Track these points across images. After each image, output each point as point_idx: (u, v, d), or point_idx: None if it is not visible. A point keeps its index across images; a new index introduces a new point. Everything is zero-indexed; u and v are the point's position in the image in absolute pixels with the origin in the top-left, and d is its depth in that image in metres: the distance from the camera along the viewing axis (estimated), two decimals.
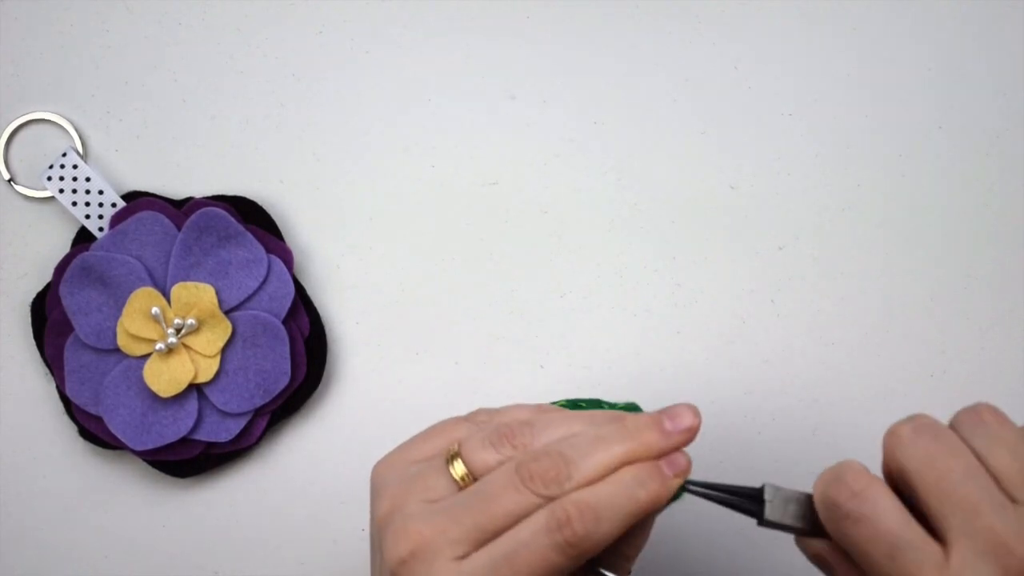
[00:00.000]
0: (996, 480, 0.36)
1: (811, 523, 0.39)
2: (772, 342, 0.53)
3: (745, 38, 0.54)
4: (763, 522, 0.39)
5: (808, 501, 0.39)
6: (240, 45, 0.54)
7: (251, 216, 0.52)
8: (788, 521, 0.39)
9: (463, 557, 0.37)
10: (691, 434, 0.39)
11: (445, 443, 0.41)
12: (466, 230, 0.53)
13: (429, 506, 0.39)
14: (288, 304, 0.51)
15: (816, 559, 0.39)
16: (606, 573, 0.39)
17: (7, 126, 0.53)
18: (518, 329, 0.53)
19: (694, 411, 0.39)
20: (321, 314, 0.53)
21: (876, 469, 0.37)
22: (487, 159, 0.54)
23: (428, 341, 0.53)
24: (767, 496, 0.39)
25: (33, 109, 0.54)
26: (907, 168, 0.54)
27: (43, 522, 0.53)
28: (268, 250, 0.51)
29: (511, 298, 0.53)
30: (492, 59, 0.54)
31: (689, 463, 0.38)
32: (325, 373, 0.52)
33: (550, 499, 0.37)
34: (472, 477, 0.39)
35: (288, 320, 0.51)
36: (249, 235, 0.51)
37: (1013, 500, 0.35)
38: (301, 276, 0.53)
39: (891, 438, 0.37)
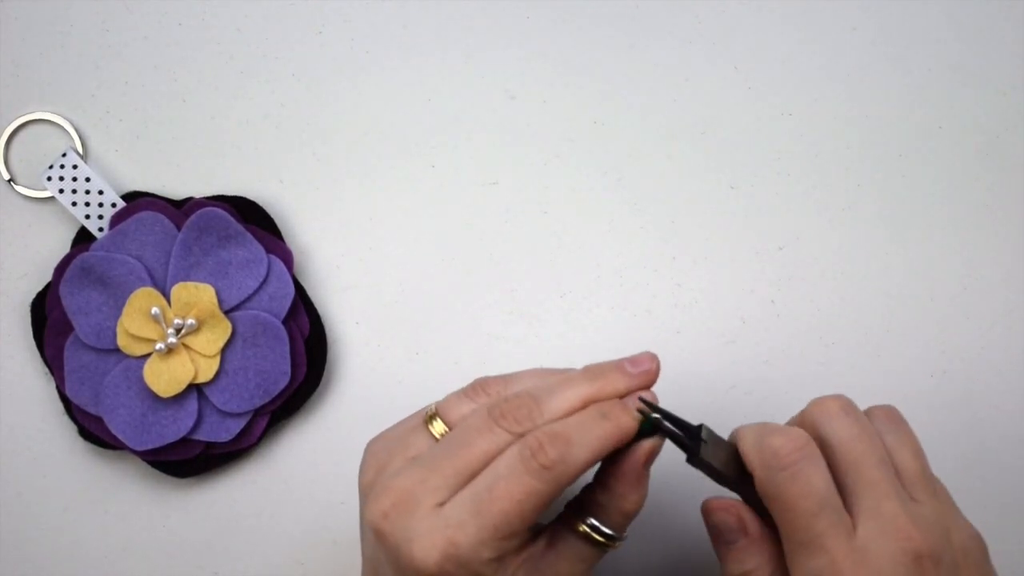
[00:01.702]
0: (898, 473, 0.39)
1: (733, 472, 0.40)
2: (772, 342, 0.53)
3: (745, 38, 0.54)
4: (693, 459, 0.41)
5: (734, 451, 0.41)
6: (240, 45, 0.54)
7: (251, 216, 0.52)
8: (717, 464, 0.40)
9: (444, 503, 0.38)
10: (650, 376, 0.42)
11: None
12: (466, 230, 0.53)
13: (409, 461, 0.39)
14: (288, 304, 0.51)
15: (720, 524, 0.41)
16: (597, 524, 0.40)
17: (7, 126, 0.53)
18: (518, 329, 0.53)
19: (652, 356, 0.42)
20: (321, 314, 0.53)
21: None
22: (487, 159, 0.54)
23: (428, 341, 0.53)
24: (704, 436, 0.41)
25: (33, 109, 0.54)
26: (907, 168, 0.54)
27: (43, 522, 0.53)
28: (268, 250, 0.51)
29: (511, 298, 0.53)
30: (492, 59, 0.54)
31: (654, 399, 0.41)
32: (325, 373, 0.52)
33: (521, 435, 0.39)
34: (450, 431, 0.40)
35: (288, 320, 0.51)
36: (249, 235, 0.51)
37: (911, 497, 0.39)
38: (301, 276, 0.53)
39: (820, 409, 0.41)
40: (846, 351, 0.53)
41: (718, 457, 0.41)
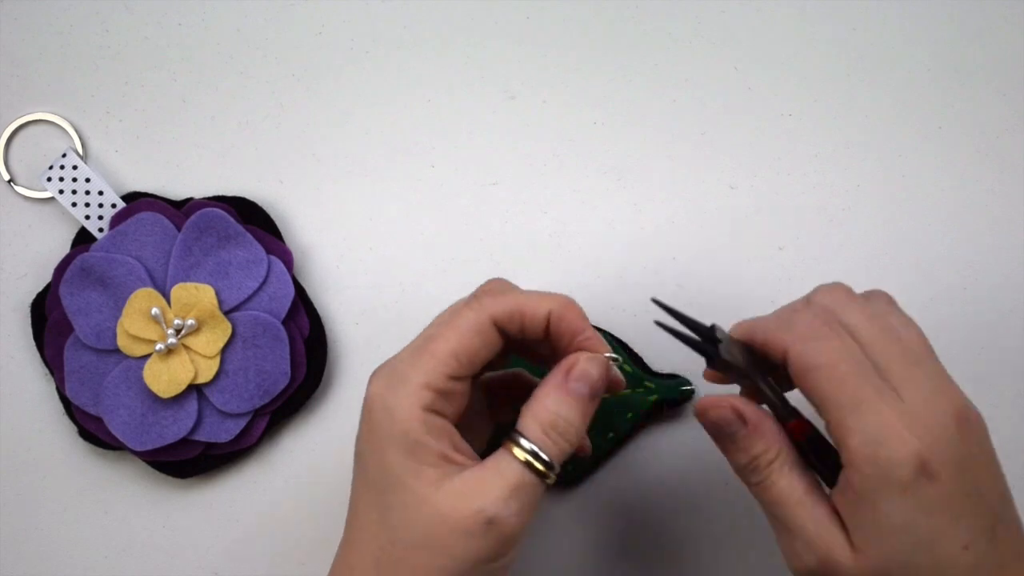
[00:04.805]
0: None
1: (751, 367, 0.41)
2: None
3: (745, 38, 0.54)
4: (714, 363, 0.41)
5: (743, 347, 0.41)
6: (240, 45, 0.54)
7: (251, 216, 0.52)
8: (736, 362, 0.40)
9: None
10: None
11: None
12: (466, 230, 0.53)
13: None
14: (288, 304, 0.51)
15: (719, 419, 0.41)
16: (520, 436, 0.40)
17: (7, 126, 0.53)
18: None
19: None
20: (321, 314, 0.53)
21: None
22: (487, 159, 0.54)
23: None
24: (719, 335, 0.41)
25: (33, 109, 0.54)
26: (907, 168, 0.54)
27: (43, 522, 0.53)
28: (268, 251, 0.51)
29: None
30: (492, 59, 0.54)
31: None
32: (325, 373, 0.52)
33: None
34: None
35: (288, 320, 0.51)
36: (249, 236, 0.51)
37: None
38: (301, 276, 0.53)
39: (830, 297, 0.41)
40: None
41: (733, 355, 0.41)
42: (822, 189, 0.53)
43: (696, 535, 0.52)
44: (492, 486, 0.39)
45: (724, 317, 0.46)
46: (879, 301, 0.42)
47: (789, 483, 0.40)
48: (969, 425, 0.38)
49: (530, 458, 0.39)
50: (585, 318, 0.42)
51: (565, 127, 0.54)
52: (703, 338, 0.41)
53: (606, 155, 0.54)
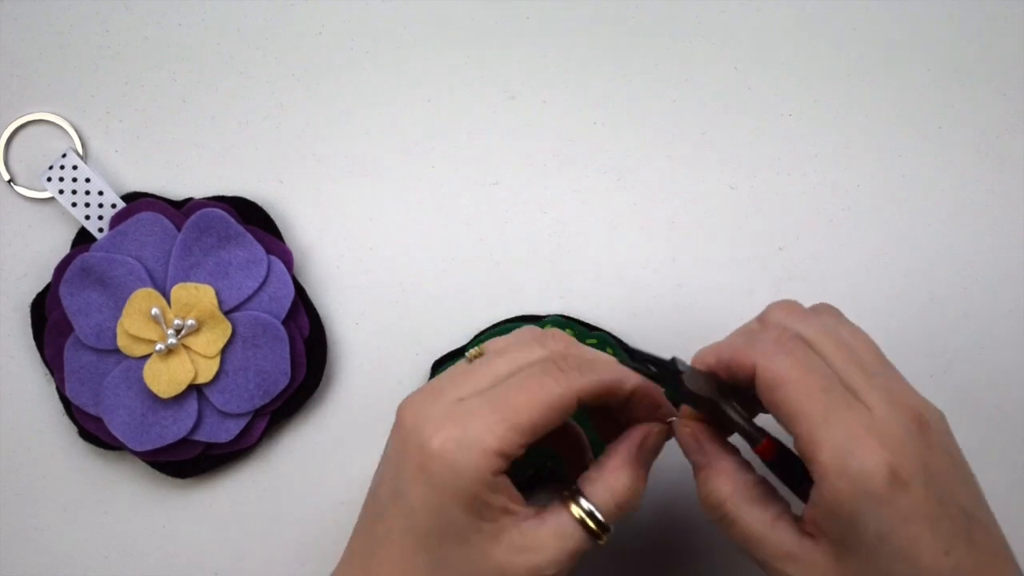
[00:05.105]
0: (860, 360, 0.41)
1: (715, 394, 0.41)
2: None
3: (745, 38, 0.54)
4: (678, 392, 0.41)
5: (706, 375, 0.41)
6: (240, 45, 0.54)
7: (251, 217, 0.52)
8: (700, 391, 0.41)
9: (466, 399, 0.40)
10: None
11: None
12: (466, 230, 0.53)
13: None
14: (288, 305, 0.51)
15: (683, 442, 0.42)
16: (584, 500, 0.41)
17: (7, 126, 0.53)
18: None
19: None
20: (321, 314, 0.53)
21: None
22: (487, 159, 0.54)
23: (428, 341, 0.53)
24: (680, 367, 0.41)
25: (33, 109, 0.54)
26: (907, 168, 0.54)
27: (43, 522, 0.53)
28: (268, 251, 0.51)
29: (511, 299, 0.53)
30: (492, 59, 0.54)
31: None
32: (325, 373, 0.52)
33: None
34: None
35: (288, 320, 0.51)
36: (249, 236, 0.51)
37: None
38: (301, 276, 0.53)
39: (784, 312, 0.42)
40: None
41: (697, 384, 0.41)
42: (822, 189, 0.53)
43: (699, 534, 0.52)
44: (550, 545, 0.40)
45: (724, 317, 0.46)
46: (828, 314, 0.42)
47: (748, 520, 0.40)
48: (930, 429, 0.38)
49: (587, 519, 0.40)
50: (661, 392, 0.43)
51: (565, 127, 0.54)
52: (665, 371, 0.42)
53: (606, 155, 0.54)
